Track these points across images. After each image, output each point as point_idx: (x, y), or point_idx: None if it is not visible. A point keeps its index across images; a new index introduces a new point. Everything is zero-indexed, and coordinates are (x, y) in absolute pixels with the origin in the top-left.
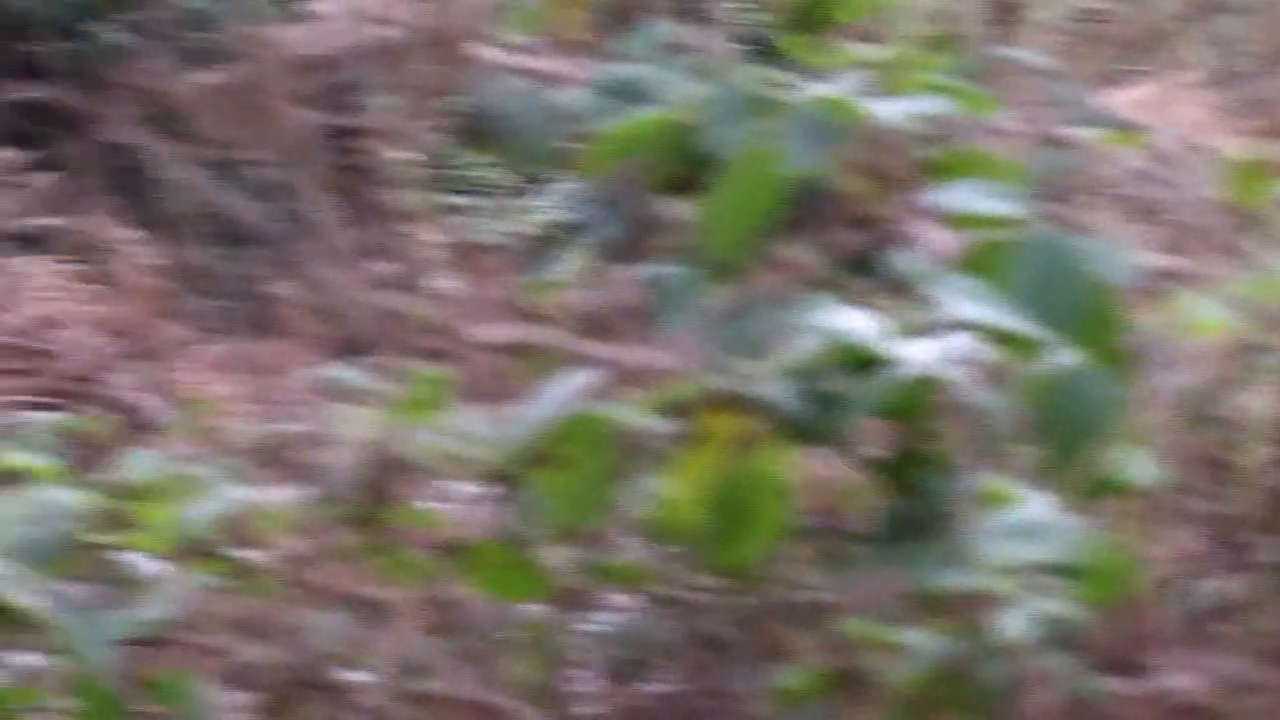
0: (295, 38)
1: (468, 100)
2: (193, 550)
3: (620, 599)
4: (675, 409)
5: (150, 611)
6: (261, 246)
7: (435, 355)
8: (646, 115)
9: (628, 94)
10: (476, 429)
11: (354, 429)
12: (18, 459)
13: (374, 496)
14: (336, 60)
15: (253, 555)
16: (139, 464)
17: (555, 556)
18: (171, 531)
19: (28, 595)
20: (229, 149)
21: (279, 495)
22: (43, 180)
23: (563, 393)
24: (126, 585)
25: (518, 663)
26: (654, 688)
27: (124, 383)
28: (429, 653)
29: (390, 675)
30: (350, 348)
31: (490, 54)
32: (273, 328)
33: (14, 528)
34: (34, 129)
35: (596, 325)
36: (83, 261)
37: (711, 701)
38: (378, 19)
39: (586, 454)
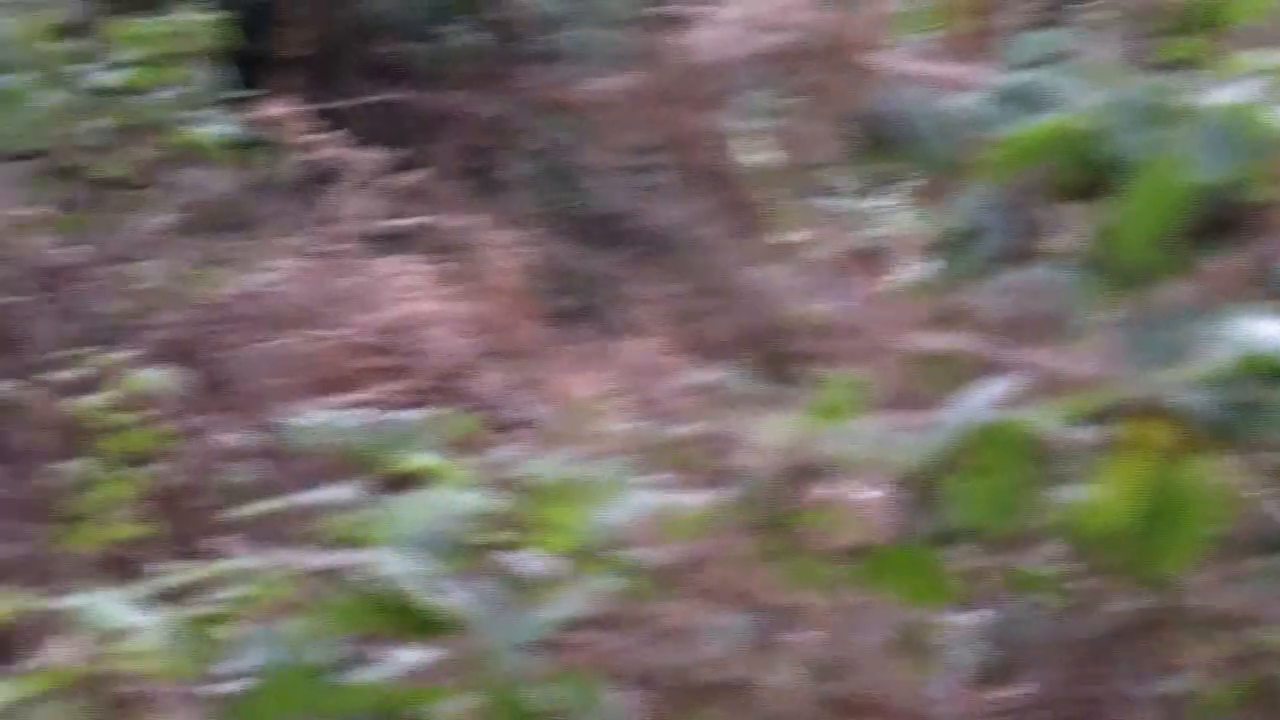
0: (692, 42)
1: (863, 106)
2: (592, 551)
3: (994, 599)
4: (1094, 416)
5: (556, 611)
6: (626, 247)
7: (810, 359)
8: (1045, 121)
9: (1024, 100)
10: (888, 434)
11: (764, 432)
12: (419, 460)
13: (784, 500)
14: (731, 66)
15: (652, 557)
16: (539, 465)
17: (961, 561)
18: (577, 533)
19: (437, 594)
20: (605, 151)
21: (688, 498)
22: (405, 180)
23: (980, 399)
24: (519, 586)
25: (900, 663)
26: (1024, 690)
27: (488, 382)
28: (833, 656)
29: (794, 678)
30: (716, 350)
31: (886, 60)
32: (635, 328)
33: (417, 527)
34: (392, 130)
35: (999, 331)
36: (445, 260)
37: (1086, 708)
38: (773, 25)
39: (1004, 461)
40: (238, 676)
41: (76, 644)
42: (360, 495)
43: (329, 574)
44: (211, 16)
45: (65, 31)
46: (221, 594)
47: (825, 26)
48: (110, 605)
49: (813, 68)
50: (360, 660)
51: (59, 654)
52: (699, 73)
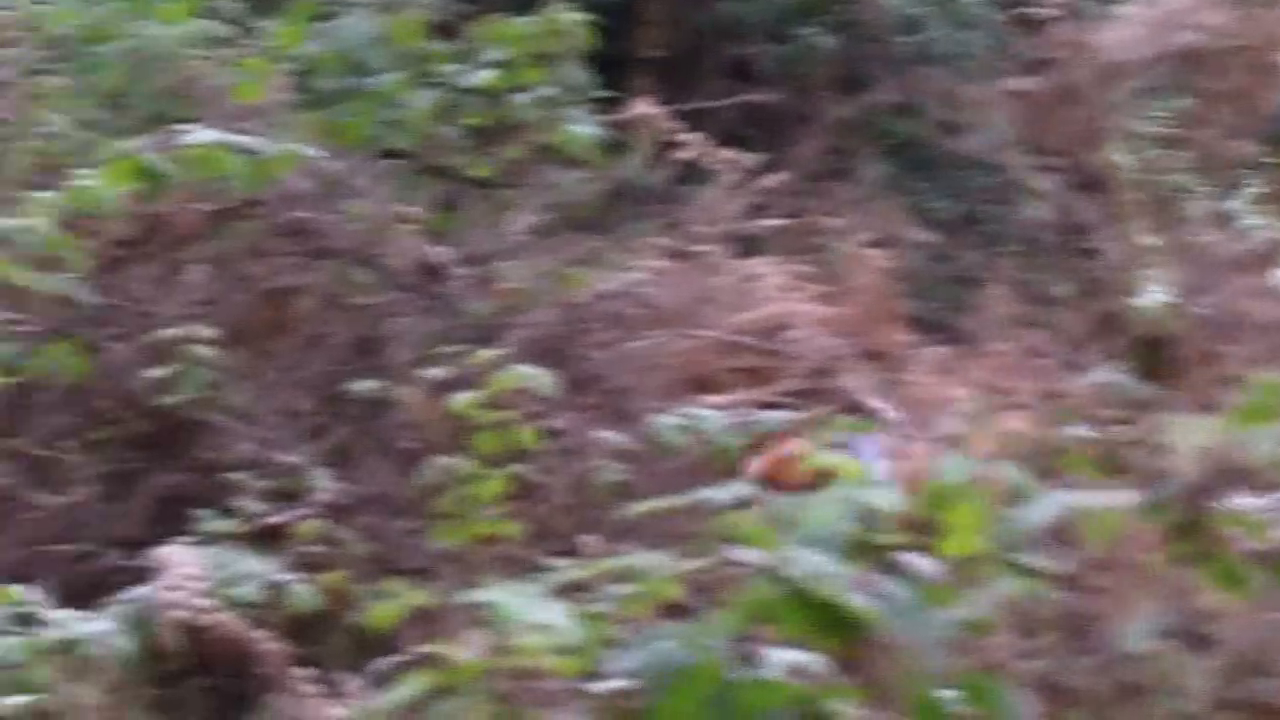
0: (1102, 41)
1: (1271, 105)
2: (997, 553)
3: None
4: None
5: (963, 613)
6: (993, 246)
7: (1196, 360)
8: None
9: None
10: None
11: (1182, 434)
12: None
13: (1204, 503)
14: (1132, 66)
15: (1060, 559)
16: (946, 466)
17: None
18: (982, 534)
19: (849, 593)
20: (974, 151)
21: (1100, 500)
22: (767, 181)
23: None
24: (922, 586)
25: None
26: None
27: (854, 383)
28: (1242, 658)
29: (1201, 679)
30: (1089, 352)
31: None
32: (1001, 328)
33: (821, 526)
34: (750, 131)
35: None
36: (808, 261)
37: None
38: (1180, 26)
39: None
40: (635, 674)
41: (478, 638)
42: (750, 494)
43: (729, 572)
44: (578, 16)
45: (434, 32)
46: (613, 590)
47: (1234, 27)
48: (516, 600)
49: (1218, 68)
50: (752, 659)
51: (462, 647)
52: (1098, 73)
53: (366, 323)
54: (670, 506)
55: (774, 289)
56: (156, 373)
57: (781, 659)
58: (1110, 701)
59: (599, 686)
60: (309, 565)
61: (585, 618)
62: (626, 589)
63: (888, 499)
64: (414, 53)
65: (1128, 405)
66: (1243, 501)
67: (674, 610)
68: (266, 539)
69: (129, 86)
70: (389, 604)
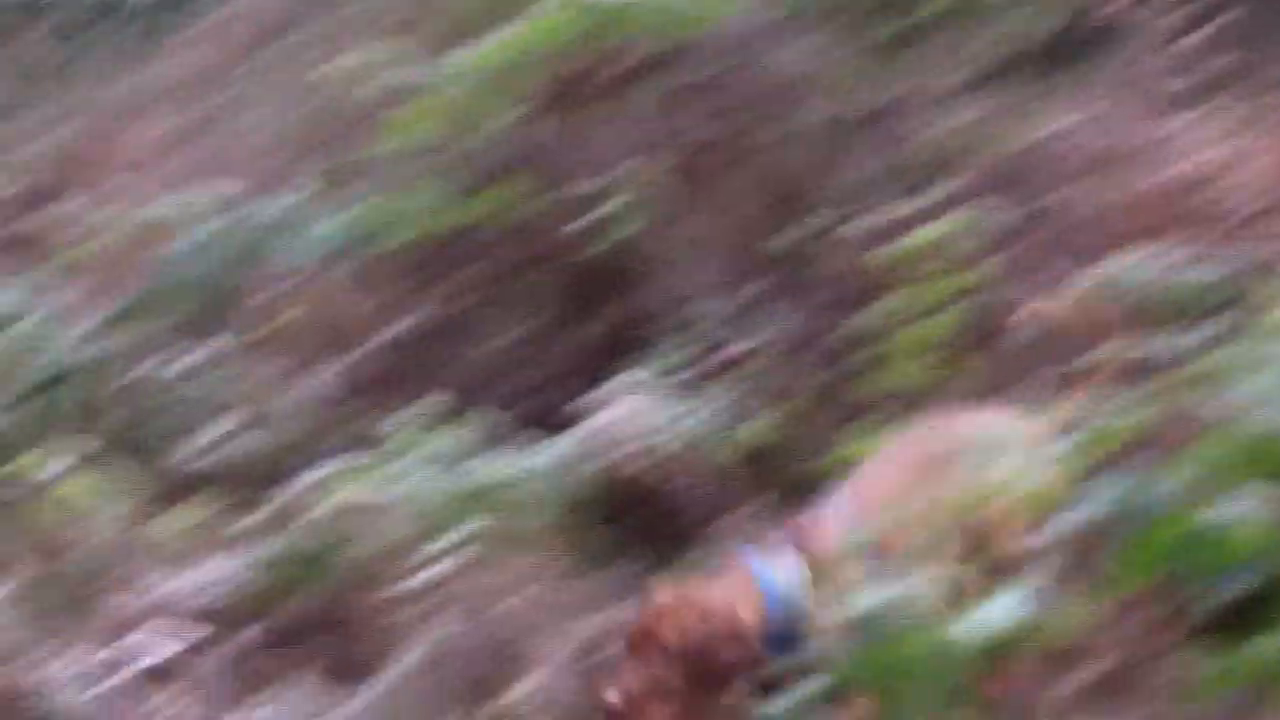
0: None
1: None
2: None
3: None
4: None
5: None
6: None
7: None
8: None
9: None
10: None
11: None
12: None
13: None
14: None
15: None
16: None
17: None
18: None
19: None
20: None
21: None
22: (1206, 30)
23: None
24: None
25: None
26: None
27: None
28: None
29: None
30: None
31: None
32: None
33: None
34: None
35: None
36: (1248, 111)
37: None
38: None
39: None
40: (1103, 515)
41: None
42: (1215, 339)
43: (1193, 418)
44: None
45: None
46: (1076, 435)
47: None
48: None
49: None
50: (1218, 505)
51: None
52: None
53: (796, 171)
54: (1118, 356)
55: (1213, 138)
56: (584, 221)
57: (1248, 506)
58: None
59: (1067, 526)
60: (744, 410)
61: (1053, 460)
62: (1091, 433)
63: None
64: None
65: None
66: None
67: (1134, 455)
68: (699, 383)
69: None
70: (843, 448)
